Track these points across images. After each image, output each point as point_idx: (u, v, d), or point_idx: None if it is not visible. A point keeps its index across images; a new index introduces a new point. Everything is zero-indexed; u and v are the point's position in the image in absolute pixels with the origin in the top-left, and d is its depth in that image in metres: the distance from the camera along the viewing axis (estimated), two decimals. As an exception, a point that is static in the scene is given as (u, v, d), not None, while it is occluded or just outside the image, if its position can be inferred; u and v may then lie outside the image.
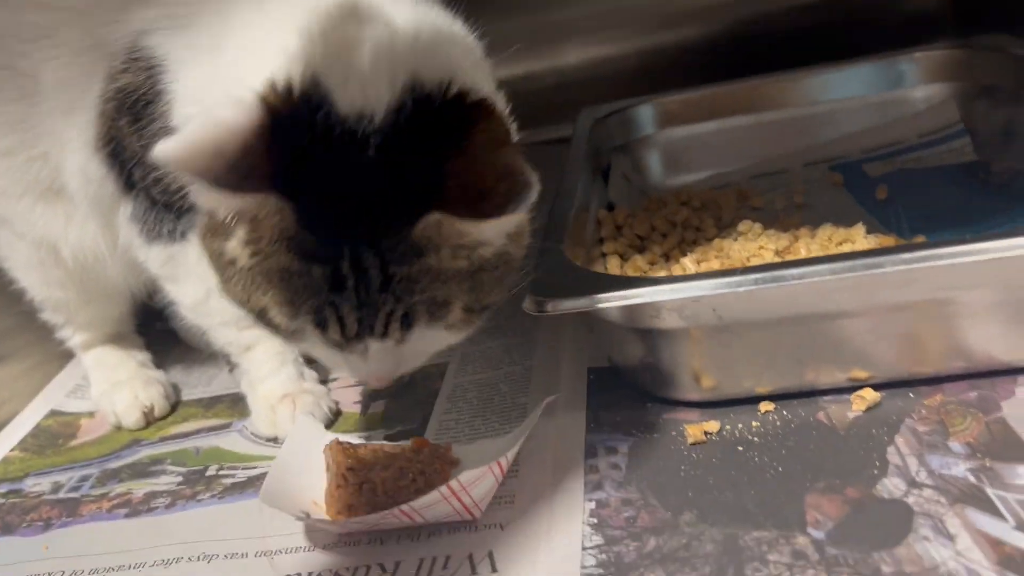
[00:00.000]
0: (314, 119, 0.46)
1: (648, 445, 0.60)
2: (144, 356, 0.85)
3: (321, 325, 0.49)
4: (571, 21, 1.21)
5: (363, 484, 0.55)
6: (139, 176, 0.62)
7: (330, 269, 0.47)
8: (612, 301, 0.57)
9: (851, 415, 0.59)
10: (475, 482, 0.53)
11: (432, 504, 0.53)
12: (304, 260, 0.47)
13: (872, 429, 0.57)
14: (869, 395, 0.59)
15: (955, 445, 0.54)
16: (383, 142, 0.47)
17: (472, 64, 0.54)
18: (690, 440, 0.59)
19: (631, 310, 0.58)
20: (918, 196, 0.85)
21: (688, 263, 0.73)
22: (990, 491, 0.50)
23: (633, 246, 0.81)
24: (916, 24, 1.12)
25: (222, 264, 0.50)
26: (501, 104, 0.53)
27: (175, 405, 0.80)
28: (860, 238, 0.71)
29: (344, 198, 0.47)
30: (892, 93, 0.96)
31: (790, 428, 0.58)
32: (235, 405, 0.77)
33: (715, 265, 0.72)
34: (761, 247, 0.71)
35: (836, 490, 0.52)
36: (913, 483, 0.52)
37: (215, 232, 0.50)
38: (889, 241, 0.71)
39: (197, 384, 0.83)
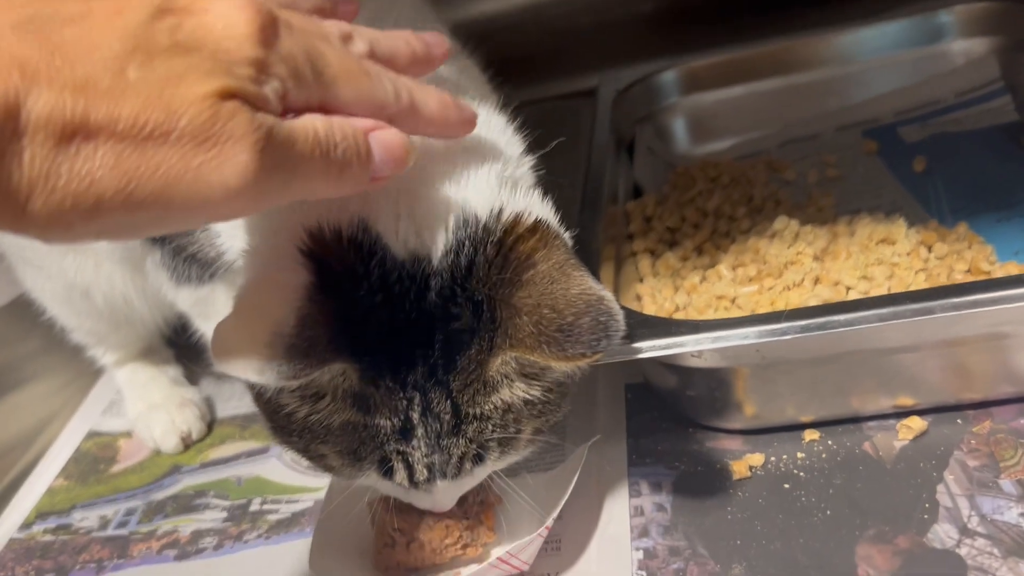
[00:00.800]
0: (367, 268, 0.44)
1: (693, 482, 0.59)
2: (176, 371, 0.84)
3: (387, 473, 0.47)
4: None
5: (410, 543, 0.55)
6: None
7: (400, 420, 0.45)
8: (654, 351, 0.56)
9: (898, 445, 0.58)
10: (524, 548, 0.53)
11: (482, 572, 0.53)
12: (370, 414, 0.45)
13: (920, 462, 0.56)
14: (916, 424, 0.58)
15: (1007, 484, 0.53)
16: (443, 283, 0.44)
17: (514, 168, 0.51)
18: (735, 476, 0.59)
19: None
20: (957, 168, 0.82)
21: (724, 269, 0.71)
22: (1044, 540, 0.50)
23: (663, 240, 0.79)
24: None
25: (276, 415, 0.47)
26: (548, 210, 0.50)
27: (211, 423, 0.81)
28: (901, 236, 0.69)
29: (409, 345, 0.44)
30: (928, 48, 0.91)
31: (836, 461, 0.58)
32: (271, 425, 0.77)
33: (752, 271, 0.70)
34: (799, 252, 0.69)
35: (887, 539, 0.52)
36: (965, 530, 0.51)
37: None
38: (931, 236, 0.69)
39: (231, 398, 0.83)
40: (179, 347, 0.87)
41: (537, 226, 0.47)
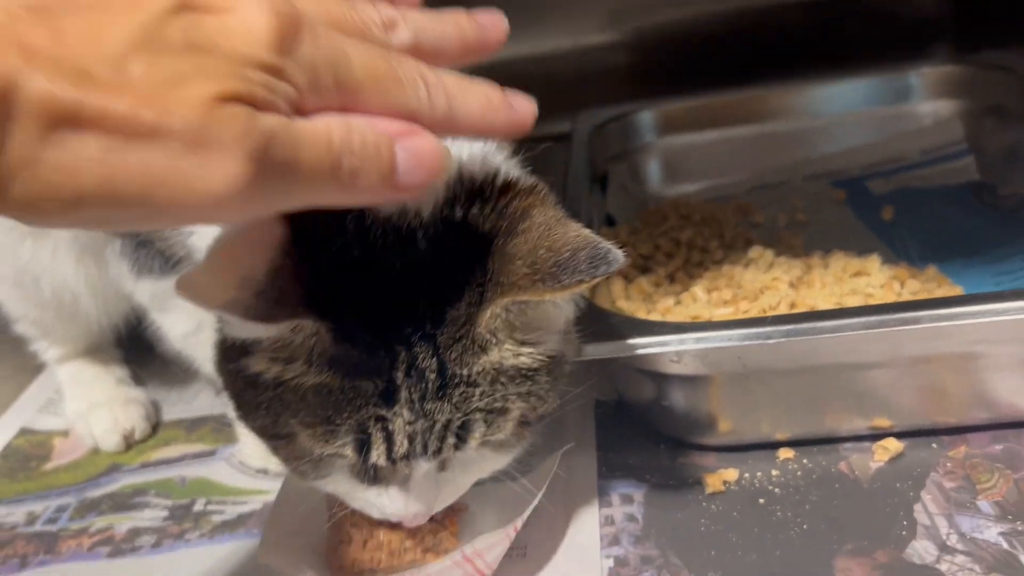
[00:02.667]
0: (344, 222, 0.42)
1: (665, 494, 0.58)
2: (123, 372, 0.80)
3: (363, 447, 0.43)
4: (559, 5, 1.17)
5: (367, 541, 0.52)
6: None
7: (382, 380, 0.42)
8: (634, 350, 0.55)
9: (874, 466, 0.57)
10: (491, 547, 0.50)
11: (445, 570, 0.50)
12: (348, 376, 0.42)
13: (896, 483, 0.55)
14: (892, 445, 0.57)
15: (984, 504, 0.53)
16: (434, 235, 0.43)
17: (507, 157, 0.50)
18: (708, 490, 0.57)
19: (651, 355, 0.56)
20: (924, 218, 0.83)
21: (699, 291, 0.70)
22: (1024, 559, 0.49)
23: (636, 266, 0.79)
24: (918, 32, 1.10)
25: (239, 384, 0.45)
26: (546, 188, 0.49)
27: (156, 426, 0.76)
28: (875, 270, 0.69)
29: (392, 300, 0.42)
30: (896, 107, 0.94)
31: (812, 479, 0.57)
32: (220, 429, 0.73)
33: (727, 294, 0.69)
34: (775, 278, 0.69)
35: (865, 552, 0.51)
36: (944, 547, 0.50)
37: (230, 349, 0.45)
38: (903, 273, 0.70)
39: (178, 401, 0.79)
40: (128, 350, 0.84)
41: (534, 187, 0.46)
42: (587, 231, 0.43)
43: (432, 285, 0.42)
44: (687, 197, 0.92)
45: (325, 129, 0.33)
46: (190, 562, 0.60)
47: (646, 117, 0.96)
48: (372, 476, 0.46)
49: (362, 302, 0.42)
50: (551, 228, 0.43)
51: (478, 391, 0.44)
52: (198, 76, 0.30)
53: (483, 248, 0.43)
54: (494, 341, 0.43)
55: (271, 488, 0.64)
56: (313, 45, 0.33)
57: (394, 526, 0.52)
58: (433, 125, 0.37)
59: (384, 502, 0.47)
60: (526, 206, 0.44)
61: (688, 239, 0.80)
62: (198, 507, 0.65)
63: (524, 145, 0.54)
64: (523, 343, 0.44)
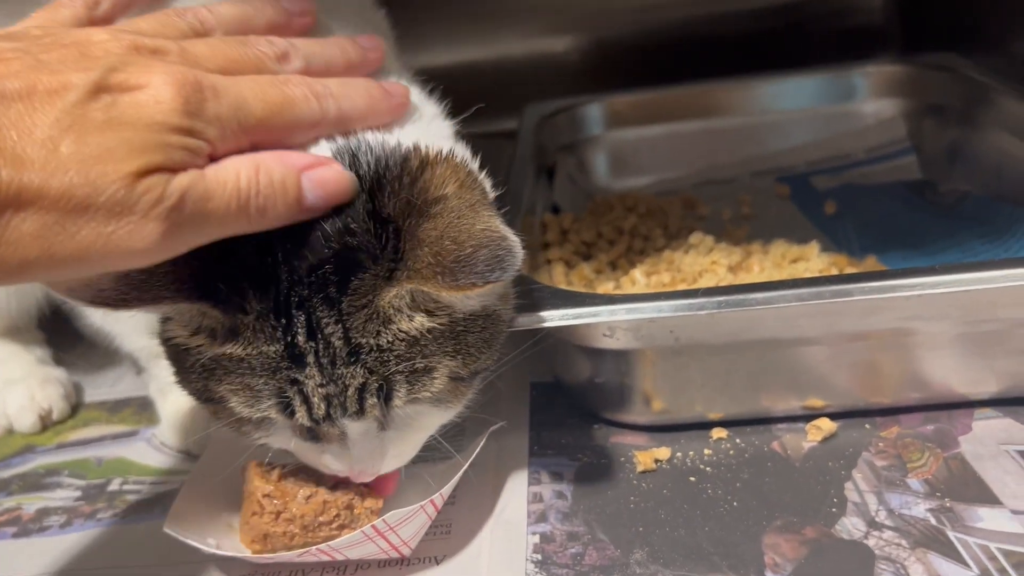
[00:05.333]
0: None
1: (595, 472, 0.56)
2: (43, 352, 0.77)
3: (287, 409, 0.43)
4: (513, 10, 1.17)
5: (280, 513, 0.50)
6: None
7: (281, 345, 0.42)
8: (565, 320, 0.53)
9: (807, 445, 0.56)
10: (404, 521, 0.48)
11: (355, 544, 0.48)
12: (251, 344, 0.42)
13: (828, 462, 0.54)
14: (825, 425, 0.56)
15: (914, 482, 0.52)
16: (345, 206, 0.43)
17: (429, 122, 0.51)
18: (640, 468, 0.56)
19: (583, 328, 0.54)
20: (866, 213, 0.84)
21: (638, 275, 0.69)
22: (951, 534, 0.48)
23: (579, 253, 0.78)
24: (862, 36, 1.11)
25: (171, 350, 0.45)
26: (469, 157, 0.49)
27: (76, 407, 0.73)
28: (814, 256, 0.69)
29: (290, 269, 0.42)
30: (842, 106, 0.94)
31: (744, 458, 0.56)
32: (144, 410, 0.71)
33: (666, 278, 0.68)
34: (713, 262, 0.68)
35: (794, 529, 0.50)
36: (873, 523, 0.49)
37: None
38: (843, 261, 0.69)
39: (102, 384, 0.76)
40: (53, 332, 0.80)
41: (450, 157, 0.46)
42: (496, 223, 0.43)
43: (339, 251, 0.42)
44: (634, 191, 0.91)
45: (235, 175, 0.39)
46: (99, 541, 0.57)
47: (594, 109, 0.96)
48: (312, 435, 0.46)
49: (253, 272, 0.42)
50: (461, 216, 0.42)
51: (393, 355, 0.43)
52: (121, 149, 0.35)
53: (398, 223, 0.43)
54: (400, 314, 0.43)
55: (192, 468, 0.62)
56: (216, 101, 0.39)
57: (308, 500, 0.50)
58: (331, 126, 0.45)
59: (328, 460, 0.47)
60: (440, 178, 0.44)
61: (631, 227, 0.80)
62: (113, 487, 0.62)
63: (477, 140, 0.54)
64: (435, 311, 0.44)
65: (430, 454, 0.59)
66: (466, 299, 0.43)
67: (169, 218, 0.36)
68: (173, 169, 0.36)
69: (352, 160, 0.44)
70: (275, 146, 0.42)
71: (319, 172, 0.41)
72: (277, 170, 0.40)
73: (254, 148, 0.41)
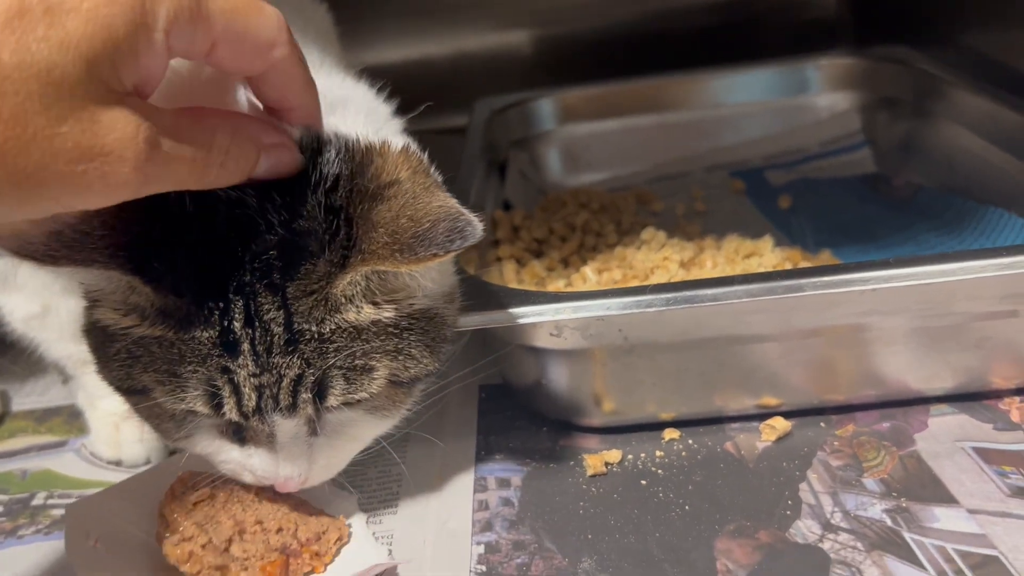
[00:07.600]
0: None
1: (544, 477, 0.54)
2: (-33, 360, 0.73)
3: (215, 401, 0.41)
4: (467, 5, 1.15)
5: (207, 543, 0.46)
6: None
7: (216, 331, 0.40)
8: (510, 320, 0.51)
9: (760, 445, 0.54)
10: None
11: None
12: (183, 328, 0.40)
13: (783, 462, 0.53)
14: (779, 424, 0.55)
15: (870, 482, 0.50)
16: (296, 192, 0.41)
17: (383, 121, 0.50)
18: (590, 472, 0.54)
19: (529, 327, 0.52)
20: (821, 207, 0.83)
21: (589, 272, 0.67)
22: (907, 536, 0.46)
23: (530, 250, 0.75)
24: (816, 30, 1.10)
25: (95, 337, 0.43)
26: (421, 152, 0.48)
27: (2, 416, 0.70)
28: (768, 251, 0.68)
29: (232, 253, 0.40)
30: (795, 99, 0.93)
31: (696, 459, 0.54)
32: (74, 419, 0.67)
33: (617, 275, 0.67)
34: (665, 258, 0.66)
35: (747, 533, 0.48)
36: (828, 526, 0.48)
37: (89, 303, 0.43)
38: (796, 255, 0.68)
39: (31, 393, 0.73)
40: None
41: (404, 149, 0.45)
42: (452, 201, 0.42)
43: (286, 236, 0.40)
44: (587, 186, 0.89)
45: (212, 132, 0.37)
46: (20, 560, 0.53)
47: (546, 104, 0.94)
48: (238, 435, 0.44)
49: (191, 255, 0.40)
50: (416, 196, 0.41)
51: (333, 347, 0.41)
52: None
53: (350, 209, 0.41)
54: (350, 304, 0.41)
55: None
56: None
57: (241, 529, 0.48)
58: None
59: (254, 463, 0.45)
60: (394, 166, 0.43)
61: (583, 223, 0.78)
62: (37, 501, 0.59)
63: (430, 137, 0.52)
64: (384, 303, 0.42)
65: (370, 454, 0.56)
66: (425, 274, 0.42)
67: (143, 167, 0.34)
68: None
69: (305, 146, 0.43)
70: None
71: (278, 155, 0.41)
72: (248, 145, 0.39)
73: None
